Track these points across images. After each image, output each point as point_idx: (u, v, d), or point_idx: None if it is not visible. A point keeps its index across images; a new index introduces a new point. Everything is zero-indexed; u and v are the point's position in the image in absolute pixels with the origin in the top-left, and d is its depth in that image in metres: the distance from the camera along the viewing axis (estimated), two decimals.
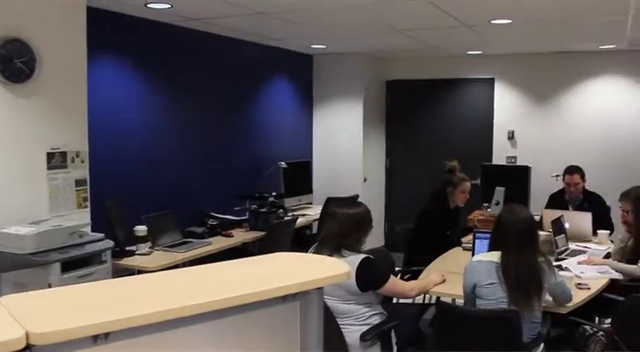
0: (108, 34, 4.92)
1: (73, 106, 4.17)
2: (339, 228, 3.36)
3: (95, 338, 1.51)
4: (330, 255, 3.26)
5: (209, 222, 5.47)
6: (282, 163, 6.69)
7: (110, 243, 4.03)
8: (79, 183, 4.22)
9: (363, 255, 3.36)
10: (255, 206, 5.83)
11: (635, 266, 4.21)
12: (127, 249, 4.56)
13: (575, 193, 5.77)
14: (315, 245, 3.51)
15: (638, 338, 3.52)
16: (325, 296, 3.26)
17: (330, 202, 5.95)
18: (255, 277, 2.00)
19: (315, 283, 2.02)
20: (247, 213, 5.79)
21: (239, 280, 1.97)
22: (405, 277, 4.85)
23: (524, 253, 3.18)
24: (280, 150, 7.29)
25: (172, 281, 1.99)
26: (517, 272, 3.13)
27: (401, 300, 4.34)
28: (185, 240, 5.04)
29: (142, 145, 5.37)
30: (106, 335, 1.53)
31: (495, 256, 3.23)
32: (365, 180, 7.97)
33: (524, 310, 3.09)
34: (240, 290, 1.81)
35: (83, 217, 4.18)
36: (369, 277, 3.34)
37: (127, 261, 4.42)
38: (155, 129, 5.53)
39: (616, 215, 5.07)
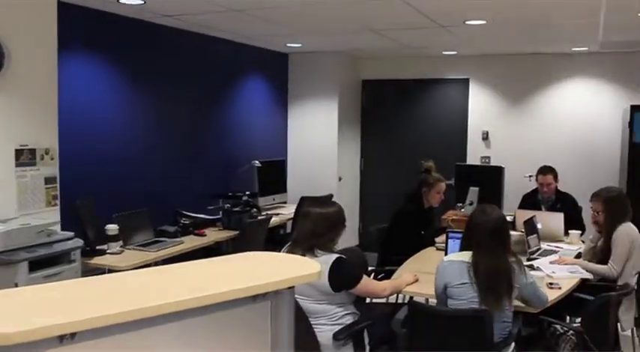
0: (79, 30, 4.87)
1: (43, 102, 4.12)
2: (312, 227, 3.36)
3: (61, 339, 1.50)
4: (303, 254, 3.26)
5: (182, 221, 5.43)
6: (257, 162, 6.68)
7: (80, 242, 3.99)
8: (48, 180, 4.17)
9: (335, 255, 3.36)
10: (228, 205, 5.80)
11: (605, 266, 4.28)
12: (98, 248, 4.51)
13: (548, 193, 5.84)
14: (288, 244, 3.51)
15: (607, 337, 3.58)
16: (297, 296, 3.28)
17: (305, 201, 5.95)
18: (225, 276, 2.00)
19: (286, 282, 2.02)
20: (220, 212, 5.76)
21: (208, 279, 1.96)
22: (379, 277, 4.87)
23: (494, 253, 3.20)
24: (255, 148, 7.28)
25: (141, 281, 1.98)
26: (487, 271, 3.15)
27: (374, 300, 4.37)
28: (157, 239, 5.00)
29: (114, 143, 5.32)
30: (72, 335, 1.52)
31: (467, 256, 3.25)
32: (340, 179, 7.98)
33: (495, 310, 3.12)
34: (209, 289, 1.80)
35: (52, 215, 4.13)
36: (342, 277, 3.34)
37: (98, 261, 4.37)
38: (128, 128, 5.49)
39: (588, 215, 5.14)
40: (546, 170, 5.88)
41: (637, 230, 4.38)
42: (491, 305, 3.11)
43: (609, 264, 4.27)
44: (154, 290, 1.83)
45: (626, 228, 4.34)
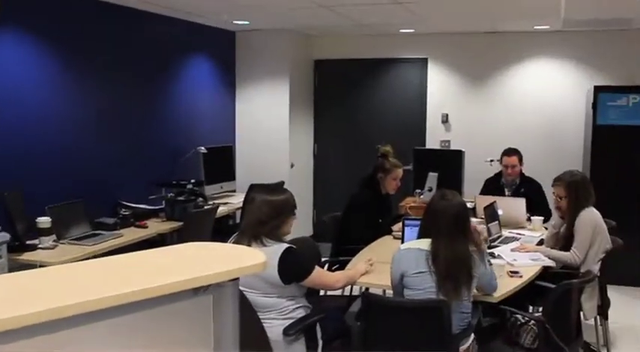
0: (4, 8, 4.72)
1: None
2: (258, 215, 3.36)
3: None
4: (249, 244, 3.26)
5: (121, 212, 5.35)
6: (202, 148, 6.61)
7: (6, 237, 3.89)
8: None
9: (285, 245, 3.36)
10: (172, 194, 5.74)
11: (568, 253, 4.37)
12: (28, 242, 4.42)
13: (512, 176, 5.96)
14: (235, 234, 3.50)
15: (569, 326, 3.66)
16: (245, 289, 3.28)
17: (254, 189, 5.92)
18: (163, 269, 1.97)
19: (228, 274, 2.01)
20: (164, 201, 5.71)
21: (145, 272, 1.93)
22: (333, 268, 4.89)
23: (455, 241, 3.23)
24: (200, 134, 7.21)
25: (71, 276, 1.93)
26: (447, 260, 3.18)
27: (328, 292, 4.38)
28: (94, 232, 4.93)
29: (45, 129, 5.19)
30: None
31: (425, 244, 3.28)
32: (292, 165, 7.97)
33: (454, 299, 3.16)
34: (146, 283, 1.77)
35: None
36: (292, 268, 3.34)
37: (28, 256, 4.28)
38: (61, 113, 5.35)
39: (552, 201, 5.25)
40: (511, 151, 5.99)
41: (600, 215, 4.49)
42: (450, 295, 3.15)
43: (572, 251, 4.36)
44: (86, 286, 1.79)
45: (589, 214, 4.44)
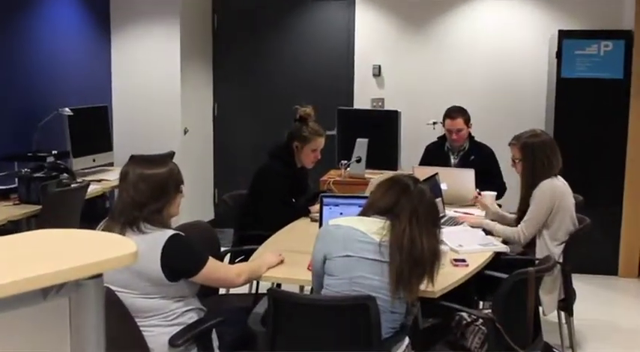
0: None
1: None
2: (133, 194, 3.30)
3: None
4: (123, 232, 3.21)
5: None
6: (67, 109, 6.45)
7: None
8: None
9: (170, 232, 3.32)
10: (27, 170, 5.62)
11: (514, 228, 4.49)
12: None
13: (458, 142, 6.05)
14: (104, 220, 3.44)
15: (524, 325, 3.75)
16: (118, 289, 3.22)
17: (130, 162, 5.84)
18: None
19: (87, 269, 1.95)
20: (16, 179, 5.58)
21: None
22: (237, 259, 4.88)
23: (430, 232, 3.27)
24: (63, 91, 7.08)
25: None
26: (420, 251, 3.19)
27: (230, 290, 4.36)
28: None
29: None
30: None
31: (366, 223, 3.26)
32: (185, 131, 7.92)
33: (393, 297, 3.18)
34: None
35: None
36: (180, 260, 3.30)
37: None
38: None
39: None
40: (455, 112, 6.06)
41: (568, 188, 4.60)
42: (394, 291, 3.16)
43: (519, 226, 4.48)
44: None
45: (551, 184, 4.54)
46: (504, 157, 5.27)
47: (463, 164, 5.99)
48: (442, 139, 6.27)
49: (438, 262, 3.28)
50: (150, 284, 3.27)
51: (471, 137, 6.13)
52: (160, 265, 3.23)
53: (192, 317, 3.41)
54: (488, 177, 5.76)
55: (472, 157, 6.02)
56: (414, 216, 3.24)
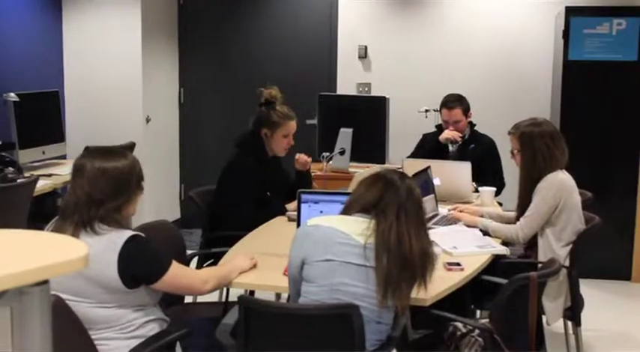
0: None
1: None
2: (89, 190, 3.28)
3: None
4: (75, 234, 3.19)
5: None
6: (12, 95, 6.43)
7: None
8: None
9: (129, 232, 3.31)
10: None
11: (512, 226, 4.51)
12: None
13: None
14: (54, 220, 3.42)
15: (526, 335, 3.77)
16: (70, 298, 3.21)
17: (85, 153, 5.84)
18: None
19: (30, 276, 1.95)
20: None
21: None
22: (206, 264, 4.88)
23: (421, 233, 3.27)
24: (8, 74, 7.05)
25: None
26: (409, 251, 3.19)
27: (198, 298, 4.35)
28: None
29: None
30: None
31: (349, 224, 3.26)
32: (148, 120, 7.91)
33: (381, 305, 3.19)
34: None
35: None
36: (139, 265, 3.29)
37: None
38: None
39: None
40: (452, 102, 6.09)
41: (573, 183, 4.61)
42: (382, 298, 3.16)
43: (518, 223, 4.50)
44: None
45: (558, 177, 4.55)
46: (504, 149, 5.27)
47: (461, 154, 6.01)
48: (440, 129, 6.28)
49: (430, 266, 3.28)
50: (105, 292, 3.26)
51: (471, 125, 6.15)
52: (116, 270, 3.21)
53: (153, 329, 3.40)
54: (489, 169, 5.79)
55: (472, 146, 6.05)
56: (401, 211, 3.24)
